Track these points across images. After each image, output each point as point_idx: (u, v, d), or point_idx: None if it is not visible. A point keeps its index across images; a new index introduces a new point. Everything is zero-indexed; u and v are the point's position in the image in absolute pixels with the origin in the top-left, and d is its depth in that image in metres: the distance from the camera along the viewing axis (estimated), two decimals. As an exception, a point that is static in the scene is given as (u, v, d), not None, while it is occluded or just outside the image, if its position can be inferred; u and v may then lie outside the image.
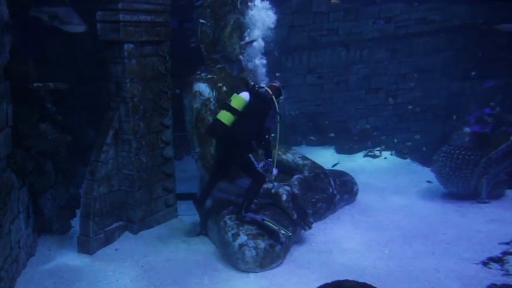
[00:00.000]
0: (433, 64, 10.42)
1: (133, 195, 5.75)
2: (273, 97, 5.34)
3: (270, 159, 5.50)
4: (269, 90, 5.40)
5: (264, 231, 5.12)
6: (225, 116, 5.13)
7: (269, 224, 5.14)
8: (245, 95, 5.23)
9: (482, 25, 9.73)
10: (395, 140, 9.94)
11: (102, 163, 5.46)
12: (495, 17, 9.16)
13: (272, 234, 5.07)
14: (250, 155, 5.22)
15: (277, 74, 6.12)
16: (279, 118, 5.43)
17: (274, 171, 5.51)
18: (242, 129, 5.13)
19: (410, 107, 10.31)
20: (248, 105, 5.19)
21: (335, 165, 8.59)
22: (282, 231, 5.10)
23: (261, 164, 5.31)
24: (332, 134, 10.01)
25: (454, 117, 8.46)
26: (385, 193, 7.27)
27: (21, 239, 4.79)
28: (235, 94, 5.30)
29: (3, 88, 4.53)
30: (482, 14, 9.95)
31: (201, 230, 5.83)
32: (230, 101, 5.22)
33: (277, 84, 5.55)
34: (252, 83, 5.57)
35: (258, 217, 5.20)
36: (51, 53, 7.15)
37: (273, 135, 5.77)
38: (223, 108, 5.21)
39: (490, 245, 5.33)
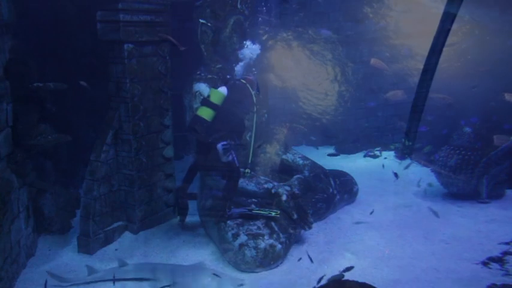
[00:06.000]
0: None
1: (133, 195, 5.75)
2: (250, 88, 5.25)
3: (229, 142, 5.17)
4: (246, 82, 5.30)
5: (254, 220, 5.17)
6: (205, 112, 5.12)
7: (258, 212, 5.20)
8: (223, 90, 5.20)
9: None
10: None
11: (102, 163, 5.46)
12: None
13: (272, 234, 5.07)
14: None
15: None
16: (255, 112, 5.27)
17: (231, 156, 5.20)
18: (221, 123, 5.11)
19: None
20: (226, 100, 5.16)
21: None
22: (272, 213, 5.13)
23: (223, 143, 5.10)
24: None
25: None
26: (385, 193, 7.27)
27: (21, 239, 4.79)
28: (213, 89, 5.28)
29: (3, 88, 4.54)
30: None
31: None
32: (209, 96, 5.20)
33: (251, 77, 5.44)
34: (228, 77, 5.48)
35: (243, 209, 5.22)
36: (54, 53, 7.14)
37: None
38: (203, 104, 5.19)
39: (490, 245, 5.32)
